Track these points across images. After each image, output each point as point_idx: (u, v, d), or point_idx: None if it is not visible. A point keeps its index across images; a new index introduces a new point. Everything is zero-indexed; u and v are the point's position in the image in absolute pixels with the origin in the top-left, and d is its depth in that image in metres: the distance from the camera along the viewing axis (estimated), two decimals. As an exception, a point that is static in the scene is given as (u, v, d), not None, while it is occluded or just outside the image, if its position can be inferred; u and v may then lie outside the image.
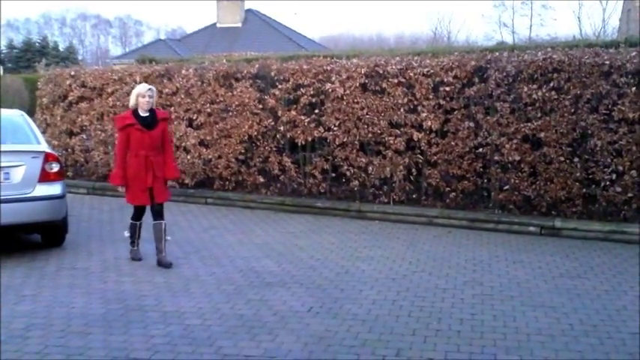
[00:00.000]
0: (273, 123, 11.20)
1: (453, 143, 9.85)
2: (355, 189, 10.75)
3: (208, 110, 11.79)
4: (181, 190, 12.14)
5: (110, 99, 13.06)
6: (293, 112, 10.96)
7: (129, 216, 7.81)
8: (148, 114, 7.45)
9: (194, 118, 11.97)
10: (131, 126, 7.37)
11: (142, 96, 7.41)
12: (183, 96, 12.09)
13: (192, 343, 5.15)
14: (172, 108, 12.16)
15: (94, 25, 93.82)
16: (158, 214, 7.59)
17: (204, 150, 11.89)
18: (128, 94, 12.54)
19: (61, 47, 67.90)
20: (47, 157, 8.10)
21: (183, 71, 12.24)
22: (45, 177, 8.00)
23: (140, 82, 12.25)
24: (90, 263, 7.64)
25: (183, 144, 12.10)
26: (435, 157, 10.04)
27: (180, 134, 12.10)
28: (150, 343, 5.14)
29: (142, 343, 5.16)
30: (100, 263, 7.63)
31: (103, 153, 13.28)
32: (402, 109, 10.15)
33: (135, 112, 7.45)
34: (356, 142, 10.55)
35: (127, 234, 7.86)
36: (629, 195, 8.84)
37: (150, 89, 7.51)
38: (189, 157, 12.01)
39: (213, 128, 11.74)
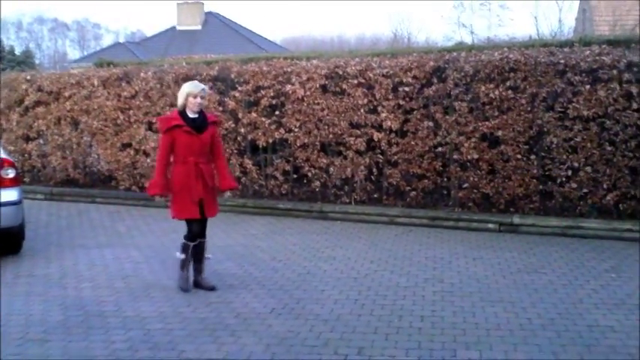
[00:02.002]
0: (233, 125, 11.17)
1: (412, 143, 9.94)
2: (317, 190, 10.79)
3: (169, 114, 11.69)
4: (142, 194, 12.04)
5: (67, 103, 12.90)
6: (254, 114, 10.95)
7: (89, 222, 7.69)
8: (197, 115, 6.48)
9: (153, 121, 11.88)
10: (178, 128, 6.38)
11: (193, 96, 6.41)
12: (142, 99, 12.00)
13: (154, 348, 5.12)
14: (131, 111, 12.08)
15: (51, 28, 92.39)
16: (202, 231, 6.74)
17: (165, 153, 11.80)
18: (86, 97, 12.55)
19: (17, 51, 66.77)
20: (3, 163, 7.98)
21: (142, 74, 12.15)
22: (0, 183, 7.87)
23: (99, 85, 12.19)
24: (48, 270, 7.53)
25: (142, 147, 12.01)
26: (396, 157, 10.12)
27: (139, 138, 12.01)
28: (110, 349, 5.10)
29: (102, 349, 5.11)
30: (59, 270, 7.54)
31: (61, 158, 13.13)
32: (362, 110, 10.21)
33: (182, 112, 6.48)
34: (317, 143, 10.59)
35: (180, 255, 6.68)
36: (585, 191, 9.01)
37: (203, 89, 6.52)
38: (148, 160, 11.92)
39: (173, 131, 11.65)
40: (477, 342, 5.18)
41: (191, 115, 6.45)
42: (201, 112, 6.53)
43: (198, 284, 6.67)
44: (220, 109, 11.24)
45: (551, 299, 6.23)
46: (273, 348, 5.10)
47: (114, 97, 12.32)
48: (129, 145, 12.24)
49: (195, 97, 6.41)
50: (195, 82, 6.70)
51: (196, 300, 6.32)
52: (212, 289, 6.58)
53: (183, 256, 6.66)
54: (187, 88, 6.49)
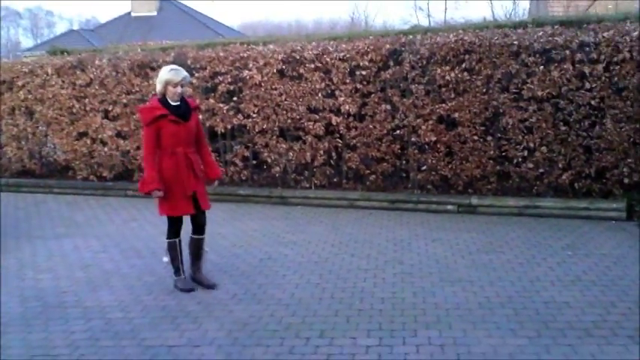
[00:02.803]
0: (191, 112, 11.07)
1: (371, 126, 9.98)
2: (277, 175, 10.79)
3: (124, 101, 11.59)
4: (100, 183, 11.94)
5: (21, 92, 12.64)
6: (211, 101, 10.88)
7: (47, 212, 7.57)
8: (179, 102, 5.95)
9: (110, 109, 11.74)
10: (163, 118, 5.84)
11: (173, 85, 5.85)
12: (97, 87, 11.83)
13: (115, 337, 5.09)
14: (87, 100, 11.91)
15: (2, 16, 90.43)
16: (200, 227, 6.27)
17: (122, 141, 11.70)
18: (40, 86, 12.34)
19: (-32, 40, 65.25)
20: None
21: (97, 62, 11.97)
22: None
23: (53, 74, 11.97)
24: (6, 262, 7.42)
25: (99, 136, 11.87)
26: (354, 141, 10.15)
27: (96, 126, 11.86)
28: (70, 339, 5.06)
29: (63, 339, 5.07)
30: (17, 261, 7.43)
31: (16, 148, 12.91)
32: (319, 94, 10.21)
33: (163, 100, 5.91)
34: (275, 129, 10.57)
35: (165, 259, 6.35)
36: (541, 171, 9.16)
37: (184, 77, 5.92)
38: (106, 149, 11.79)
39: (130, 119, 11.56)
40: (437, 321, 5.26)
41: (173, 102, 5.91)
42: (182, 99, 6.00)
43: (198, 281, 6.29)
44: (177, 95, 11.13)
45: (509, 277, 6.34)
46: (235, 333, 5.11)
47: (68, 85, 12.13)
48: (85, 134, 12.08)
49: (175, 86, 5.85)
50: (176, 68, 5.98)
51: (157, 288, 6.29)
52: (213, 287, 6.19)
53: (167, 259, 6.28)
54: (166, 75, 5.87)
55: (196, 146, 6.17)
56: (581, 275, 6.35)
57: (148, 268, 7.00)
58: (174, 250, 6.25)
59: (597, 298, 5.68)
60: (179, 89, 5.88)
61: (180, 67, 6.04)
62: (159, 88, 5.91)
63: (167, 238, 6.28)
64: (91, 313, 5.65)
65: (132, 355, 4.74)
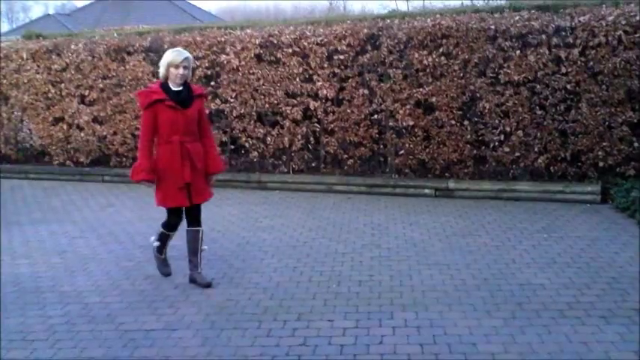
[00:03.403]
0: (168, 97, 11.01)
1: (348, 111, 9.99)
2: (254, 160, 10.78)
3: (101, 86, 11.51)
4: (76, 168, 11.86)
5: (-4, 77, 12.52)
6: (188, 85, 10.81)
7: (23, 198, 7.51)
8: (181, 88, 5.62)
9: (86, 94, 11.65)
10: (160, 102, 5.52)
11: (174, 66, 5.52)
12: (73, 72, 11.73)
13: (92, 322, 5.08)
14: (62, 85, 11.80)
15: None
16: (195, 219, 5.92)
17: (99, 127, 11.63)
18: (15, 71, 12.20)
19: (-59, 25, 64.31)
20: None
21: (73, 46, 11.86)
22: None
23: (28, 59, 11.85)
24: (-19, 248, 7.38)
25: (76, 121, 11.77)
26: (332, 125, 10.16)
27: (72, 111, 11.76)
28: (47, 324, 5.05)
29: (40, 324, 5.05)
30: (-7, 247, 7.39)
31: (-8, 134, 12.79)
32: (297, 79, 10.20)
33: (164, 85, 5.62)
34: (253, 113, 10.55)
35: (154, 242, 6.06)
36: (517, 154, 9.23)
37: (186, 58, 5.57)
38: (82, 134, 11.71)
39: (106, 104, 11.48)
40: (414, 304, 5.30)
41: (174, 87, 5.59)
42: (185, 84, 5.67)
43: (192, 280, 5.91)
44: (154, 80, 11.06)
45: (485, 260, 6.40)
46: (213, 317, 5.12)
47: (44, 70, 12.01)
48: (61, 119, 11.98)
49: (177, 67, 5.51)
50: (179, 49, 5.71)
51: (135, 273, 6.28)
52: (208, 285, 5.82)
53: (158, 243, 6.03)
54: (168, 57, 5.57)
55: (199, 136, 5.78)
56: (556, 257, 6.42)
57: (126, 253, 6.98)
58: (164, 240, 6.02)
59: (571, 280, 5.75)
60: (181, 70, 5.53)
61: (182, 49, 5.72)
62: (162, 71, 5.60)
63: (162, 227, 5.99)
64: (68, 298, 5.63)
65: (109, 339, 4.73)
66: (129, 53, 11.34)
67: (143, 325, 4.98)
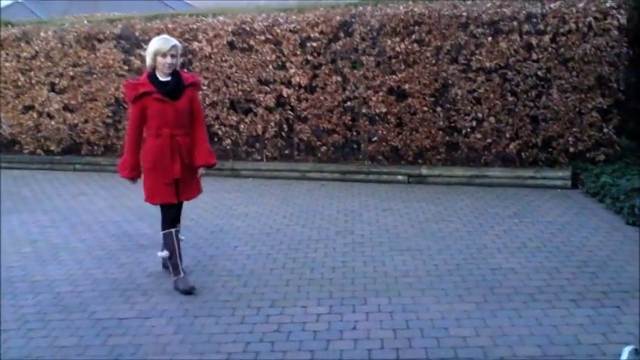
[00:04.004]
0: (140, 84, 10.93)
1: (321, 98, 9.98)
2: (228, 148, 10.73)
3: (71, 73, 11.37)
4: (47, 157, 11.74)
5: (-37, 65, 12.32)
6: (160, 73, 10.72)
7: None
8: (170, 78, 5.29)
9: (56, 82, 11.51)
10: (148, 95, 5.22)
11: (161, 55, 5.17)
12: (43, 59, 11.57)
13: (64, 310, 5.05)
14: (32, 72, 11.65)
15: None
16: (175, 217, 5.67)
17: (69, 115, 11.50)
18: (-17, 59, 12.00)
19: None
20: None
21: (42, 33, 11.69)
22: None
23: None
24: (-49, 238, 7.29)
25: (46, 109, 11.64)
26: (305, 113, 10.15)
27: (42, 99, 11.62)
28: (19, 314, 5.01)
29: (11, 314, 5.01)
30: (-38, 237, 7.30)
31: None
32: (270, 66, 10.16)
33: (152, 75, 5.29)
34: (226, 101, 10.50)
35: (163, 254, 5.62)
36: (489, 141, 9.29)
37: (174, 46, 5.21)
38: (53, 122, 11.58)
39: (77, 92, 11.36)
40: (387, 289, 5.33)
41: (162, 77, 5.26)
42: (175, 74, 5.32)
43: (177, 286, 5.46)
44: (126, 68, 10.99)
45: (457, 246, 6.45)
46: (186, 305, 5.11)
47: (13, 58, 11.84)
48: (31, 107, 11.84)
49: (164, 56, 5.17)
50: (165, 37, 5.36)
51: (107, 261, 6.24)
52: (191, 291, 5.37)
53: (166, 253, 5.55)
54: (154, 45, 5.23)
55: (190, 128, 5.48)
56: (527, 242, 6.49)
57: (98, 242, 6.94)
58: (171, 243, 5.53)
59: (542, 264, 5.82)
60: (169, 59, 5.18)
61: (169, 37, 5.39)
62: (149, 61, 5.26)
63: (162, 230, 5.62)
64: (40, 287, 5.59)
65: (81, 328, 4.71)
66: (99, 41, 11.21)
67: (116, 314, 4.96)
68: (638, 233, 6.66)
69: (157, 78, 5.27)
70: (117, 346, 4.40)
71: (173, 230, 5.55)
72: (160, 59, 5.20)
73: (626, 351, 3.81)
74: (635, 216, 7.01)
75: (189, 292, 5.34)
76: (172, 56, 5.20)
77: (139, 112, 5.29)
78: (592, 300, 4.98)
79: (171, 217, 5.58)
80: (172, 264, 5.52)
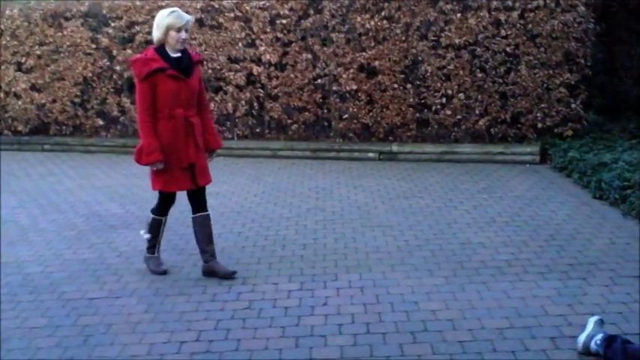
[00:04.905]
0: (108, 63, 10.83)
1: (292, 76, 9.96)
2: (198, 126, 10.66)
3: (38, 52, 11.21)
4: (14, 137, 11.59)
5: None
6: (129, 51, 10.62)
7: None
8: (180, 54, 4.93)
9: (23, 61, 11.33)
10: (161, 72, 4.80)
11: (176, 29, 4.81)
12: (9, 38, 11.38)
13: (34, 292, 5.02)
14: (-2, 52, 11.47)
15: None
16: (201, 203, 5.26)
17: (37, 94, 11.34)
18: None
19: None
20: None
21: (8, 12, 11.47)
22: None
23: None
24: None
25: (13, 89, 11.46)
26: (276, 91, 10.12)
27: (9, 79, 11.44)
28: (-13, 295, 4.98)
29: (-21, 295, 4.98)
30: None
31: None
32: (240, 44, 10.10)
33: (161, 50, 4.88)
34: (196, 79, 10.41)
35: (145, 235, 5.38)
36: (458, 117, 9.36)
37: (188, 21, 4.89)
38: (20, 102, 11.42)
39: (44, 71, 11.20)
40: (357, 265, 5.37)
41: (173, 53, 4.89)
42: (184, 50, 4.98)
43: (210, 272, 5.23)
44: (93, 46, 10.85)
45: (427, 221, 6.51)
46: (157, 284, 5.11)
47: (-23, 37, 11.64)
48: (-3, 87, 11.66)
49: (179, 30, 4.81)
50: (177, 10, 4.92)
51: (77, 242, 6.20)
52: (231, 275, 5.17)
53: (148, 235, 5.34)
54: (167, 19, 4.82)
55: (198, 109, 5.14)
56: (496, 217, 6.57)
57: (67, 222, 6.89)
58: (156, 229, 5.34)
59: (510, 238, 5.90)
60: (183, 34, 4.85)
61: (180, 10, 4.96)
62: (158, 35, 4.86)
63: (152, 213, 5.35)
64: (9, 268, 5.53)
65: (51, 308, 4.69)
66: (66, 19, 11.05)
67: (86, 294, 4.94)
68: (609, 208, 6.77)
69: (168, 53, 4.88)
70: (87, 326, 4.38)
71: (163, 219, 5.36)
72: (173, 34, 4.82)
73: (592, 321, 3.88)
74: (601, 190, 7.11)
75: (160, 273, 5.29)
76: (186, 31, 4.90)
77: (149, 90, 4.82)
78: (559, 272, 5.07)
79: (168, 205, 5.32)
80: (150, 243, 5.38)
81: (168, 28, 4.82)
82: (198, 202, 5.24)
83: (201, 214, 5.25)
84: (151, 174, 5.14)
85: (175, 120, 4.91)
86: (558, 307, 4.44)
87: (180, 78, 4.87)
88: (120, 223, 6.81)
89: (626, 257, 5.37)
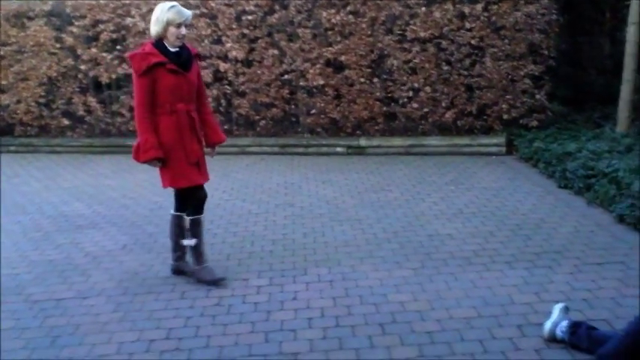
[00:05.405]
0: (73, 62, 10.70)
1: (259, 72, 9.93)
2: (166, 124, 10.60)
3: (1, 53, 11.04)
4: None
5: None
6: (94, 50, 10.52)
7: None
8: (178, 49, 4.82)
9: (-15, 62, 11.18)
10: (161, 66, 4.68)
11: (176, 25, 4.69)
12: (-30, 39, 11.22)
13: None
14: (-41, 53, 11.28)
15: None
16: (201, 204, 5.10)
17: (1, 95, 11.18)
18: None
19: None
20: None
21: (-32, 12, 11.31)
22: None
23: None
24: None
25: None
26: (243, 87, 10.09)
27: (-29, 80, 11.28)
28: (-48, 299, 4.91)
29: (-56, 299, 4.91)
30: None
31: None
32: (206, 41, 10.05)
33: (159, 45, 4.75)
34: (162, 77, 10.34)
35: (191, 242, 5.09)
36: (425, 110, 9.41)
37: (188, 17, 4.78)
38: (-16, 103, 11.26)
39: (8, 72, 11.03)
40: (326, 259, 5.39)
41: (172, 48, 4.78)
42: (183, 45, 4.87)
43: (179, 271, 5.20)
44: (58, 45, 10.72)
45: (396, 214, 6.55)
46: (126, 283, 5.08)
47: (-62, 37, 11.44)
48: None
49: (179, 26, 4.70)
50: (176, 5, 4.78)
51: (44, 243, 6.13)
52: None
53: (194, 240, 5.07)
54: (167, 14, 4.69)
55: (198, 103, 5.03)
56: (463, 208, 6.63)
57: (34, 224, 6.81)
58: (197, 230, 5.09)
59: (477, 229, 5.97)
60: (183, 30, 4.74)
61: (179, 5, 4.80)
62: (156, 29, 4.73)
63: (187, 215, 5.09)
64: (-26, 271, 5.48)
65: (18, 310, 4.63)
66: (29, 18, 10.90)
67: (53, 295, 4.89)
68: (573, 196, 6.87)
69: (167, 48, 4.76)
70: (55, 327, 4.35)
71: (201, 217, 5.11)
72: (173, 30, 4.70)
73: (557, 309, 3.94)
74: (566, 179, 7.21)
75: (217, 283, 4.97)
76: (186, 26, 4.79)
77: (149, 85, 4.68)
78: (525, 261, 5.14)
79: (201, 198, 5.05)
80: (195, 251, 5.09)
81: (168, 24, 4.70)
82: (199, 200, 5.08)
83: (197, 216, 5.09)
84: (160, 171, 4.96)
85: (178, 115, 4.79)
86: (525, 296, 4.50)
87: (180, 72, 4.77)
88: (87, 223, 6.75)
89: (591, 245, 5.46)
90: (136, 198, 7.67)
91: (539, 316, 4.13)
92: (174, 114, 4.77)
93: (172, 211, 5.20)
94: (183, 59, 4.80)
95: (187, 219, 5.05)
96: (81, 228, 6.57)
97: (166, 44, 4.76)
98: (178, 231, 5.16)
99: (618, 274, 4.82)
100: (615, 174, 6.65)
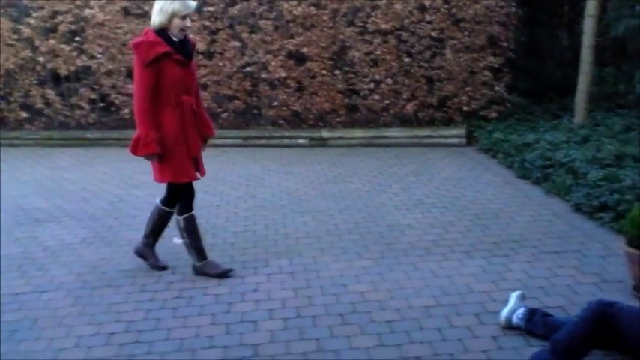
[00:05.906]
0: (31, 54, 10.54)
1: (220, 64, 9.89)
2: (126, 117, 10.50)
3: (-45, 45, 10.85)
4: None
5: None
6: (52, 42, 10.37)
7: None
8: (182, 39, 4.68)
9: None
10: (167, 57, 4.53)
11: (181, 17, 4.56)
12: None
13: (-44, 289, 4.89)
14: None
15: None
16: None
17: (-43, 88, 10.99)
18: None
19: None
20: None
21: None
22: None
23: None
24: None
25: None
26: (205, 79, 10.02)
27: None
28: None
29: None
30: None
31: None
32: (166, 32, 9.96)
33: (163, 34, 4.56)
34: (122, 69, 10.25)
35: (178, 240, 5.18)
36: (387, 102, 9.47)
37: (193, 9, 4.71)
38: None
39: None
40: (287, 250, 5.41)
41: (175, 39, 4.62)
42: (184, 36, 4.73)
43: (140, 255, 5.21)
44: (15, 37, 10.55)
45: (357, 205, 6.59)
46: (85, 276, 5.03)
47: None
48: None
49: (183, 18, 4.56)
50: None
51: (2, 237, 6.04)
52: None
53: (185, 238, 4.97)
54: (174, 5, 4.53)
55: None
56: (424, 199, 6.70)
57: (-9, 217, 6.72)
58: (193, 228, 4.96)
59: (437, 219, 6.03)
60: (188, 22, 4.62)
61: None
62: (160, 19, 4.55)
63: (179, 214, 4.93)
64: None
65: (-25, 305, 4.58)
66: (-14, 9, 10.72)
67: (11, 289, 4.82)
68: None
69: (170, 37, 4.59)
70: (12, 321, 4.29)
71: (193, 213, 4.98)
72: (177, 21, 4.55)
73: (513, 296, 4.01)
74: (525, 169, 7.32)
75: (223, 275, 4.92)
76: (190, 19, 4.69)
77: (153, 77, 4.51)
78: (484, 250, 5.21)
79: (192, 195, 4.98)
80: (195, 249, 4.97)
81: (173, 15, 4.55)
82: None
83: (169, 210, 5.06)
84: (157, 166, 4.80)
85: (183, 107, 4.66)
86: (483, 284, 4.57)
87: (186, 63, 4.66)
88: (45, 216, 6.67)
89: (548, 234, 5.55)
90: (95, 191, 7.60)
91: (497, 304, 4.18)
92: (179, 107, 4.65)
93: (160, 204, 5.11)
94: (188, 50, 4.70)
95: (181, 219, 4.92)
96: (40, 222, 6.49)
97: (171, 35, 4.60)
98: (161, 225, 5.14)
99: (574, 262, 4.91)
100: (572, 164, 6.76)
